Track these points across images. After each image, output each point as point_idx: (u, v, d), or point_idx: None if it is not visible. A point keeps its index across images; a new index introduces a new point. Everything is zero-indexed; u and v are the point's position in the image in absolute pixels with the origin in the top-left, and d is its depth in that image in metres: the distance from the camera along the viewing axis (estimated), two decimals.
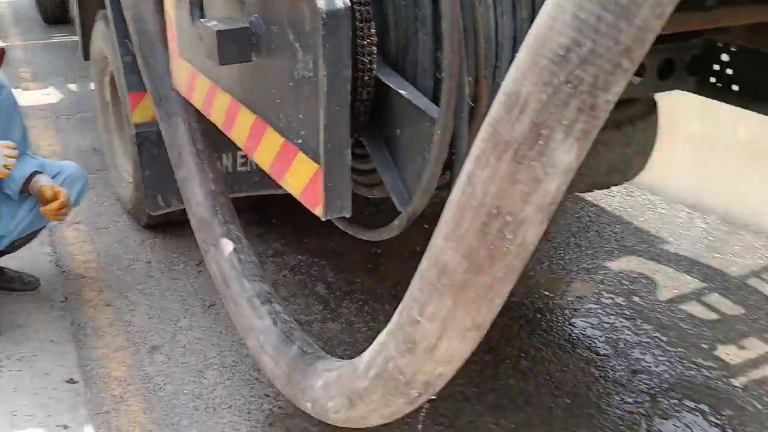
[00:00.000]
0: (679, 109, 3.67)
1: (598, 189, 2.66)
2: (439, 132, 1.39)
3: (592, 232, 3.49)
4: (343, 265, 3.14)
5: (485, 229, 1.05)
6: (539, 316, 2.81)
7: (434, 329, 1.16)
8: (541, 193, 1.02)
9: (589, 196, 3.86)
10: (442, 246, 1.11)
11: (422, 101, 1.48)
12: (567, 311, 2.84)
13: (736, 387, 2.40)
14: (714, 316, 2.80)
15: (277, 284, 3.01)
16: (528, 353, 2.58)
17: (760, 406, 2.31)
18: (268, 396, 2.35)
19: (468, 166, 1.06)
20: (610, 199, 3.84)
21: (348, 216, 1.54)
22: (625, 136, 2.52)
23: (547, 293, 2.97)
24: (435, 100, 1.48)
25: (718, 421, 2.25)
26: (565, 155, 0.99)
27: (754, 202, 3.53)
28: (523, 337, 2.68)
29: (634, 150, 2.57)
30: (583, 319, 2.79)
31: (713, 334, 2.69)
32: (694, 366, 2.51)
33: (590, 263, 3.20)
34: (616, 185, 2.66)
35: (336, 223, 1.83)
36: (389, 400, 1.32)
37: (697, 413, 2.28)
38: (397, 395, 1.29)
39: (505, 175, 1.01)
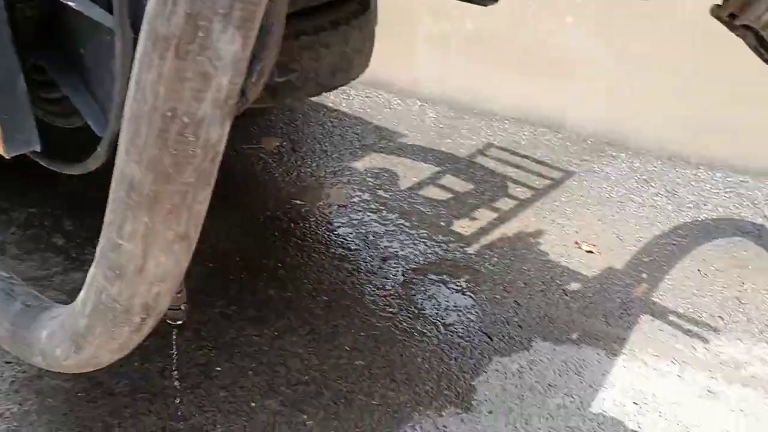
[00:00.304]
0: (416, 9, 3.84)
1: (326, 91, 2.68)
2: (119, 43, 1.29)
3: (336, 136, 3.58)
4: (81, 209, 2.90)
5: (164, 134, 1.00)
6: (293, 225, 2.86)
7: (137, 249, 1.10)
8: (215, 89, 0.98)
9: (329, 102, 3.94)
10: (125, 160, 1.04)
11: (96, 12, 1.35)
12: (319, 216, 2.92)
13: (470, 254, 2.66)
14: (449, 195, 3.05)
15: (5, 244, 2.71)
16: (285, 262, 2.63)
17: (491, 267, 2.59)
18: (10, 363, 2.14)
19: (134, 70, 0.99)
20: (349, 102, 3.95)
21: (38, 149, 1.40)
22: (342, 36, 2.56)
23: (298, 202, 3.02)
24: (111, 8, 1.36)
25: (457, 287, 2.49)
26: (230, 46, 0.96)
27: (476, 87, 3.84)
28: (279, 248, 2.72)
29: (353, 49, 2.63)
30: (335, 220, 2.89)
31: (448, 211, 2.93)
32: (434, 243, 2.73)
33: (336, 166, 3.29)
34: (342, 85, 2.70)
35: (35, 159, 1.66)
36: (113, 332, 1.25)
37: (440, 284, 2.50)
38: (120, 325, 1.23)
39: (171, 74, 0.96)
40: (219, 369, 2.14)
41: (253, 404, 2.02)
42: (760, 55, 1.61)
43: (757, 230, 2.76)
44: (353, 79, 2.74)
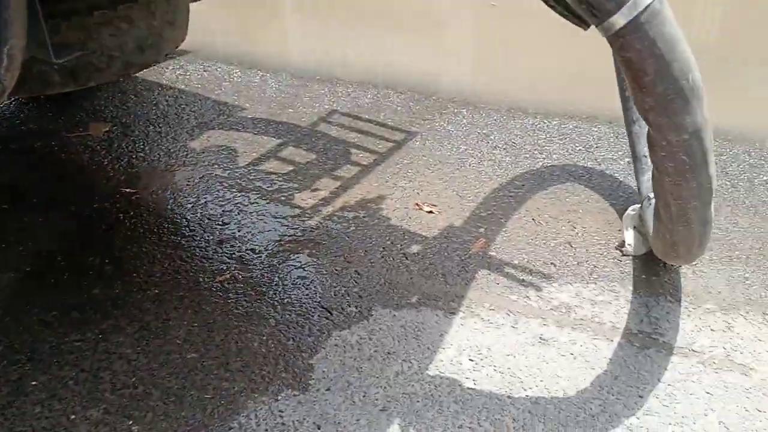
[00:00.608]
0: None
1: (138, 69, 2.50)
2: None
3: (172, 115, 3.38)
4: None
5: None
6: (122, 216, 2.67)
7: None
8: None
9: (165, 80, 3.72)
10: None
11: None
12: (151, 203, 2.74)
13: (311, 227, 2.58)
14: (289, 167, 2.95)
15: None
16: (112, 257, 2.45)
17: (331, 239, 2.52)
18: None
19: None
20: (186, 78, 3.74)
21: None
22: (145, 8, 2.37)
23: (128, 190, 2.82)
24: None
25: (297, 264, 2.40)
26: None
27: (321, 55, 3.73)
28: (106, 242, 2.53)
29: (163, 21, 2.45)
30: (168, 207, 2.72)
31: (289, 185, 2.83)
32: (273, 219, 2.62)
33: (171, 148, 3.11)
34: (156, 62, 2.53)
35: None
36: None
37: (280, 262, 2.41)
38: None
39: None
40: (35, 383, 1.96)
41: (72, 417, 1.86)
42: (545, 1, 1.59)
43: (588, 174, 2.84)
44: (168, 53, 2.57)
